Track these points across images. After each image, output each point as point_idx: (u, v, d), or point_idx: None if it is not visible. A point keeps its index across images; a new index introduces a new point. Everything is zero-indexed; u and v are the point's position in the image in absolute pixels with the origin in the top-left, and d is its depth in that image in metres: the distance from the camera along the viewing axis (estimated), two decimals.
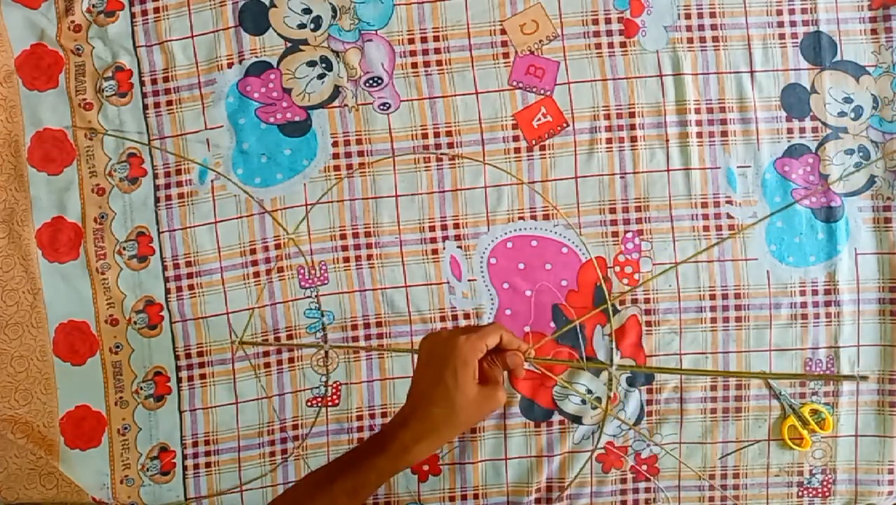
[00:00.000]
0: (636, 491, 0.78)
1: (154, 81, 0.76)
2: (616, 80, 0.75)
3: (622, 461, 0.78)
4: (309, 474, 0.61)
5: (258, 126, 0.76)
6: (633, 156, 0.76)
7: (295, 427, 0.78)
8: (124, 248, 0.77)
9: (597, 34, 0.75)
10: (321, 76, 0.76)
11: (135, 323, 0.77)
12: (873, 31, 0.75)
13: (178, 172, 0.76)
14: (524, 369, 0.64)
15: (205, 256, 0.76)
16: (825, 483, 0.78)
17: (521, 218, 0.76)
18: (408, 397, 0.62)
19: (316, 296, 0.77)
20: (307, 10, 0.75)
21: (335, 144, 0.76)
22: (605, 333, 0.77)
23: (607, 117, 0.75)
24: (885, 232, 0.76)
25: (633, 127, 0.75)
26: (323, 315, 0.77)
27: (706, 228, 0.76)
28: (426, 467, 0.78)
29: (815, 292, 0.76)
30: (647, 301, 0.76)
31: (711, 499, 0.78)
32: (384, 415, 0.78)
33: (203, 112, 0.76)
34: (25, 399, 0.77)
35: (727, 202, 0.76)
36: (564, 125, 0.76)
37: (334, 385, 0.78)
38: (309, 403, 0.78)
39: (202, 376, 0.77)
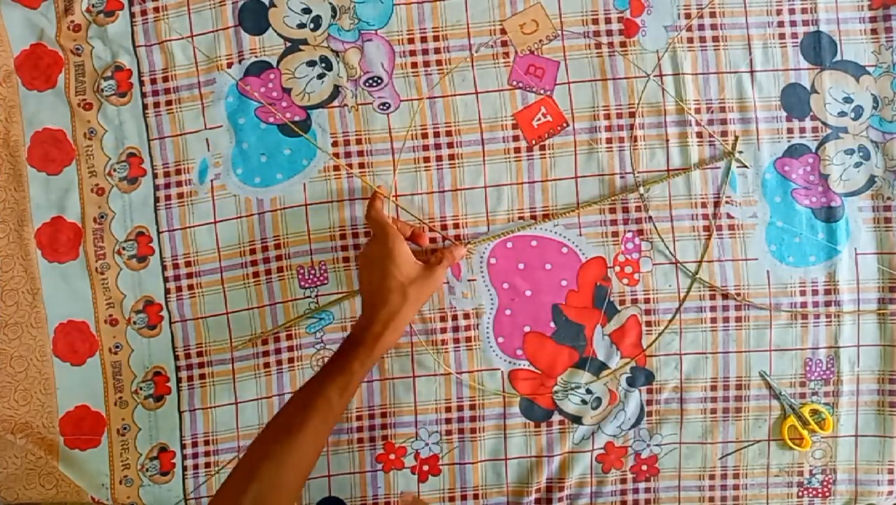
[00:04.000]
0: (636, 491, 0.78)
1: (154, 81, 0.76)
2: (616, 80, 0.75)
3: (622, 461, 0.78)
4: (301, 387, 0.67)
5: (258, 126, 0.76)
6: (633, 156, 0.76)
7: None
8: (124, 248, 0.77)
9: (597, 34, 0.75)
10: (321, 76, 0.76)
11: (134, 323, 0.77)
12: (873, 31, 0.75)
13: (178, 172, 0.76)
14: (459, 253, 0.74)
15: (204, 256, 0.76)
16: (825, 483, 0.78)
17: (520, 218, 0.76)
18: (364, 298, 0.71)
19: (315, 296, 0.77)
20: (307, 10, 0.75)
21: (335, 144, 0.76)
22: (606, 333, 0.77)
23: (607, 117, 0.75)
24: (885, 232, 0.76)
25: (633, 127, 0.75)
26: (320, 304, 0.77)
27: (706, 228, 0.76)
28: (426, 468, 0.78)
29: (815, 292, 0.76)
30: (646, 301, 0.76)
31: (711, 499, 0.78)
32: (384, 415, 0.78)
33: (203, 112, 0.76)
34: (25, 399, 0.77)
35: (727, 202, 0.76)
36: (564, 125, 0.76)
37: None
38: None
39: (202, 376, 0.77)
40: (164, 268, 0.77)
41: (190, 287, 0.77)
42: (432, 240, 0.76)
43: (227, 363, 0.77)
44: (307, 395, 0.65)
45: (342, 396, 0.65)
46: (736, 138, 0.75)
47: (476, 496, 0.78)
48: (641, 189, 0.74)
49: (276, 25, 0.75)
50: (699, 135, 0.75)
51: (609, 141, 0.76)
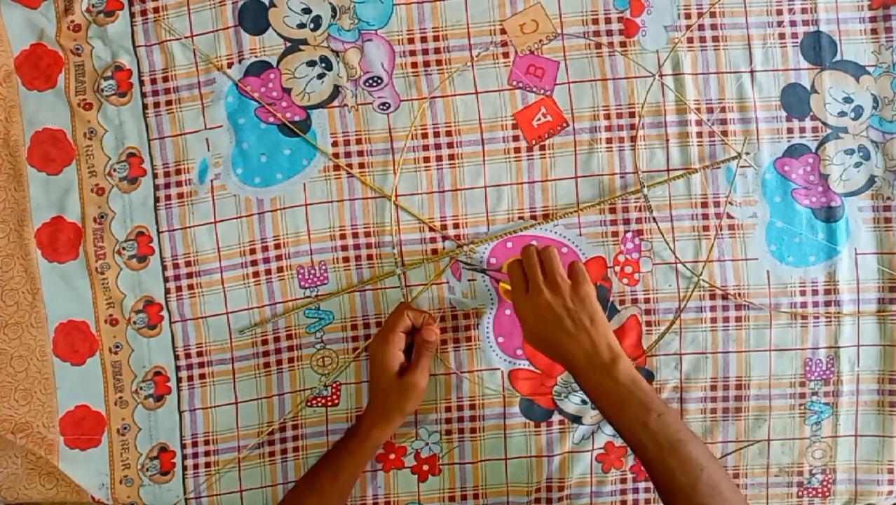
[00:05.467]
0: (636, 491, 0.78)
1: (154, 81, 0.76)
2: (616, 80, 0.75)
3: (622, 461, 0.78)
4: (303, 476, 0.74)
5: (258, 126, 0.76)
6: (633, 156, 0.76)
7: (295, 427, 0.78)
8: (124, 248, 0.77)
9: (597, 34, 0.75)
10: (321, 76, 0.76)
11: (134, 323, 0.77)
12: (873, 31, 0.75)
13: (178, 172, 0.76)
14: (434, 334, 0.73)
15: (204, 256, 0.76)
16: (825, 483, 0.78)
17: (520, 217, 0.76)
18: (369, 391, 0.75)
19: (316, 296, 0.77)
20: (307, 10, 0.75)
21: (335, 144, 0.76)
22: None
23: (607, 117, 0.75)
24: (885, 232, 0.76)
25: (633, 127, 0.75)
26: (318, 300, 0.77)
27: (706, 228, 0.76)
28: (426, 468, 0.78)
29: (815, 292, 0.76)
30: (646, 301, 0.76)
31: None
32: None
33: (202, 112, 0.76)
34: (25, 399, 0.77)
35: (727, 202, 0.76)
36: (564, 125, 0.76)
37: (334, 385, 0.78)
38: (309, 403, 0.78)
39: (202, 376, 0.77)
40: (164, 268, 0.77)
41: (190, 287, 0.77)
42: (432, 239, 0.76)
43: (227, 363, 0.77)
44: (303, 483, 0.73)
45: (334, 482, 0.70)
46: (744, 139, 0.75)
47: (476, 496, 0.78)
48: (645, 189, 0.74)
49: (276, 25, 0.75)
50: (699, 135, 0.75)
51: (609, 141, 0.76)
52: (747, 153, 0.75)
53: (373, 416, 0.71)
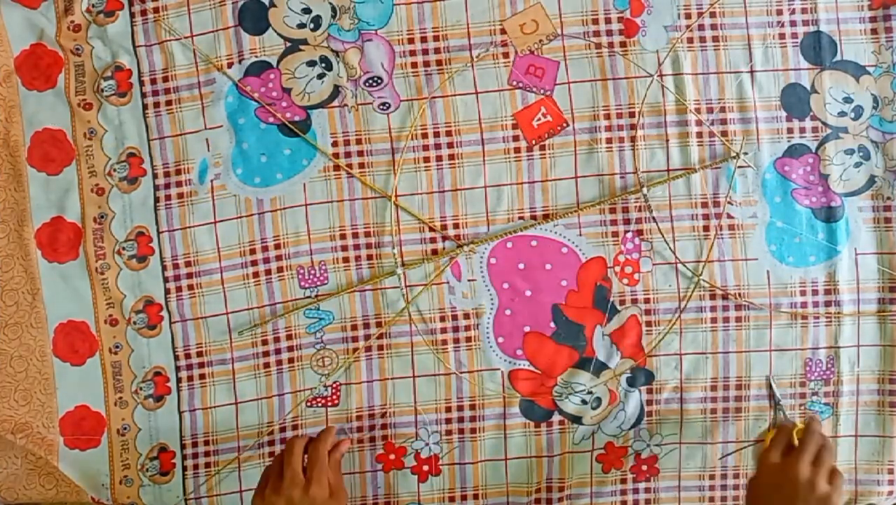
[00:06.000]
0: (636, 491, 0.78)
1: (154, 81, 0.76)
2: (616, 80, 0.75)
3: (622, 461, 0.78)
4: None
5: (258, 126, 0.76)
6: (633, 156, 0.76)
7: (295, 427, 0.78)
8: (124, 248, 0.77)
9: (597, 34, 0.75)
10: (321, 76, 0.76)
11: (134, 323, 0.77)
12: (873, 31, 0.75)
13: (178, 172, 0.76)
14: (342, 452, 0.73)
15: (204, 256, 0.76)
16: None
17: (520, 218, 0.76)
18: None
19: (316, 296, 0.77)
20: (307, 10, 0.75)
21: (335, 144, 0.76)
22: (606, 333, 0.77)
23: (607, 117, 0.75)
24: (885, 232, 0.76)
25: (633, 127, 0.75)
26: (318, 301, 0.77)
27: (706, 228, 0.76)
28: (426, 468, 0.78)
29: (815, 292, 0.76)
30: (647, 301, 0.76)
31: (711, 499, 0.78)
32: (384, 415, 0.78)
33: (202, 112, 0.76)
34: (25, 399, 0.77)
35: (727, 202, 0.76)
36: (564, 125, 0.76)
37: (334, 385, 0.78)
38: (309, 403, 0.78)
39: (202, 376, 0.77)
40: (164, 268, 0.77)
41: (190, 287, 0.77)
42: (432, 239, 0.76)
43: (227, 363, 0.77)
44: None
45: None
46: (743, 139, 0.75)
47: (476, 496, 0.78)
48: (645, 189, 0.74)
49: (276, 25, 0.75)
50: (699, 135, 0.75)
51: (609, 141, 0.76)
52: (745, 153, 0.75)
53: None
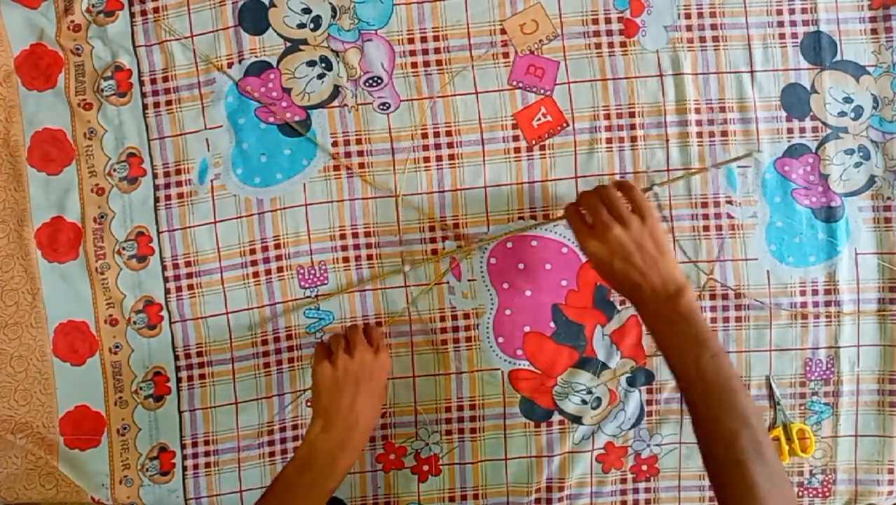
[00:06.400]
0: (636, 491, 0.78)
1: (154, 81, 0.76)
2: (616, 80, 0.75)
3: (622, 461, 0.78)
4: None
5: (258, 126, 0.76)
6: (633, 156, 0.76)
7: (295, 427, 0.78)
8: (124, 248, 0.77)
9: (597, 34, 0.75)
10: (321, 76, 0.76)
11: (134, 323, 0.77)
12: (873, 31, 0.75)
13: (178, 172, 0.76)
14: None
15: (204, 256, 0.76)
16: (825, 483, 0.78)
17: (521, 218, 0.76)
18: (342, 417, 0.67)
19: (316, 296, 0.77)
20: (307, 10, 0.75)
21: (335, 144, 0.76)
22: (606, 333, 0.77)
23: (607, 117, 0.75)
24: (885, 232, 0.76)
25: (633, 127, 0.75)
26: (319, 302, 0.77)
27: (706, 228, 0.76)
28: (426, 468, 0.78)
29: (815, 292, 0.76)
30: None
31: (711, 499, 0.78)
32: (384, 415, 0.77)
33: (202, 112, 0.76)
34: (25, 399, 0.77)
35: (727, 202, 0.76)
36: (564, 125, 0.76)
37: None
38: (309, 403, 0.78)
39: (202, 376, 0.77)
40: (164, 268, 0.77)
41: (190, 287, 0.77)
42: (432, 239, 0.76)
43: (227, 363, 0.77)
44: None
45: None
46: (747, 139, 0.75)
47: (476, 496, 0.78)
48: (656, 187, 0.73)
49: (276, 25, 0.75)
50: (699, 135, 0.75)
51: (609, 141, 0.75)
52: (759, 150, 0.75)
53: (333, 434, 0.66)
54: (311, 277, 0.77)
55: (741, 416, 0.58)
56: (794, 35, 0.75)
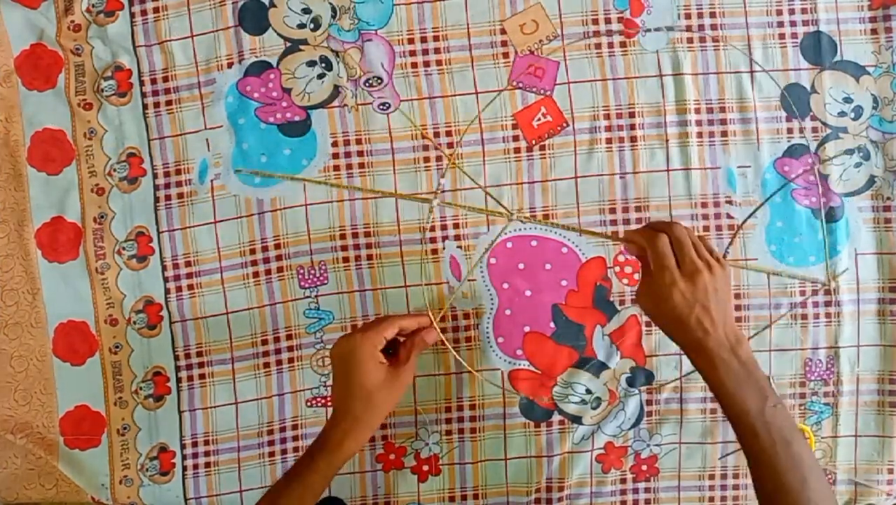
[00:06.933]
0: (636, 491, 0.78)
1: (154, 81, 0.76)
2: (616, 80, 0.75)
3: (622, 461, 0.78)
4: (265, 494, 0.65)
5: (258, 126, 0.76)
6: (633, 156, 0.76)
7: (295, 427, 0.78)
8: (124, 248, 0.77)
9: (597, 34, 0.75)
10: (321, 76, 0.76)
11: (134, 323, 0.77)
12: (873, 31, 0.75)
13: (178, 172, 0.76)
14: (431, 338, 0.70)
15: (204, 256, 0.76)
16: None
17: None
18: (333, 401, 0.68)
19: (315, 296, 0.77)
20: (307, 10, 0.75)
21: (335, 144, 0.76)
22: (606, 333, 0.77)
23: (607, 117, 0.75)
24: (885, 232, 0.76)
25: (633, 127, 0.75)
26: (320, 307, 0.77)
27: (706, 228, 0.76)
28: (426, 468, 0.78)
29: (815, 292, 0.76)
30: None
31: (711, 499, 0.78)
32: None
33: (203, 112, 0.76)
34: (25, 399, 0.77)
35: (727, 202, 0.76)
36: (564, 125, 0.76)
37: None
38: (309, 403, 0.78)
39: (202, 376, 0.77)
40: (164, 268, 0.77)
41: (190, 287, 0.77)
42: (432, 240, 0.76)
43: (227, 363, 0.77)
44: (269, 497, 0.64)
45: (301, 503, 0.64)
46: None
47: (476, 496, 0.78)
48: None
49: (276, 25, 0.75)
50: (699, 135, 0.75)
51: (609, 141, 0.76)
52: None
53: (345, 425, 0.65)
54: (311, 277, 0.77)
55: (806, 466, 0.58)
56: (794, 35, 0.75)
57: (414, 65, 0.76)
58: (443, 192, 0.75)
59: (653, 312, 0.64)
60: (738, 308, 0.76)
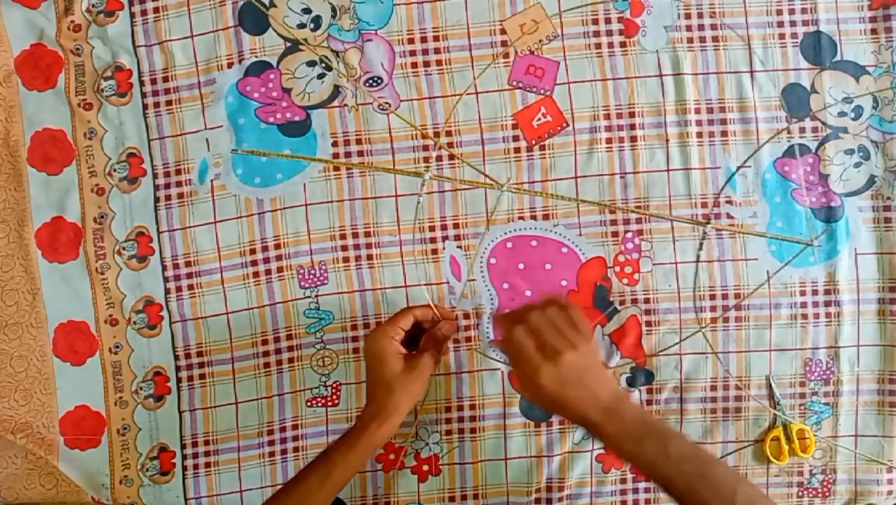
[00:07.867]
0: (636, 491, 0.78)
1: (154, 81, 0.76)
2: (616, 80, 0.75)
3: (622, 461, 0.78)
4: (292, 478, 0.67)
5: (258, 126, 0.76)
6: (633, 156, 0.76)
7: (295, 427, 0.78)
8: (124, 248, 0.77)
9: (597, 34, 0.75)
10: (321, 76, 0.76)
11: (134, 323, 0.77)
12: (873, 31, 0.75)
13: (178, 172, 0.76)
14: (454, 329, 0.74)
15: (204, 256, 0.76)
16: (825, 483, 0.78)
17: (520, 218, 0.76)
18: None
19: (315, 296, 0.77)
20: (307, 10, 0.75)
21: (335, 144, 0.76)
22: (606, 333, 0.77)
23: (607, 117, 0.75)
24: (886, 232, 0.76)
25: (633, 127, 0.75)
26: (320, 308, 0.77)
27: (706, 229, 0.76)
28: (426, 468, 0.78)
29: (815, 292, 0.76)
30: (647, 301, 0.76)
31: None
32: None
33: (203, 112, 0.76)
34: (25, 399, 0.77)
35: (727, 202, 0.76)
36: (564, 125, 0.76)
37: (334, 385, 0.78)
38: (309, 403, 0.78)
39: (202, 376, 0.77)
40: (164, 268, 0.77)
41: (190, 287, 0.77)
42: (432, 239, 0.76)
43: (227, 363, 0.77)
44: (291, 484, 0.66)
45: (322, 485, 0.65)
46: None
47: (476, 496, 0.78)
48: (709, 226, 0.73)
49: (276, 25, 0.75)
50: (699, 135, 0.76)
51: (609, 141, 0.76)
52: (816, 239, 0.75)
53: (372, 412, 0.67)
54: (311, 277, 0.77)
55: (728, 486, 0.58)
56: (794, 35, 0.75)
57: (414, 65, 0.76)
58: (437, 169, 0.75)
59: (534, 398, 0.66)
60: (738, 308, 0.76)
